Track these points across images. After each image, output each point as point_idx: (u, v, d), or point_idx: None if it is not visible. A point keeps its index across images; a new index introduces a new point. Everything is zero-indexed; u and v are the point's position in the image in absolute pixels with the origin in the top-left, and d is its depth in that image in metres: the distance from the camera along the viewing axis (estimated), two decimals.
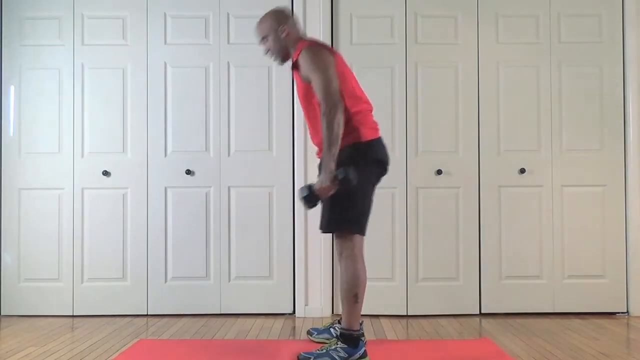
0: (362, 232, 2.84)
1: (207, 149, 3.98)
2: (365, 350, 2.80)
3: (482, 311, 3.93)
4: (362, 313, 3.87)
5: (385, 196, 3.91)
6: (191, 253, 3.95)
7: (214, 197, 3.96)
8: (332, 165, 2.67)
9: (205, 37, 4.00)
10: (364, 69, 3.95)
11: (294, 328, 3.61)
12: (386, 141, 3.90)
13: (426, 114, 3.96)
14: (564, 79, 3.97)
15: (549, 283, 3.94)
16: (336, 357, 2.73)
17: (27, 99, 3.98)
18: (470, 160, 3.96)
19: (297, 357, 2.79)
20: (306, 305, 3.91)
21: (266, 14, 2.97)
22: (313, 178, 3.90)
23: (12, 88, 3.99)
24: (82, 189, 3.97)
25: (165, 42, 3.99)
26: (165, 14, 4.00)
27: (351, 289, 2.77)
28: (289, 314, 3.95)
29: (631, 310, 3.91)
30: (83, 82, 3.98)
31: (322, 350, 2.78)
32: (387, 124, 3.93)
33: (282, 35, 2.91)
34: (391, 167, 3.93)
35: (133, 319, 3.87)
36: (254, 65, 3.96)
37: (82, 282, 3.95)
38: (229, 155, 3.98)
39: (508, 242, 3.94)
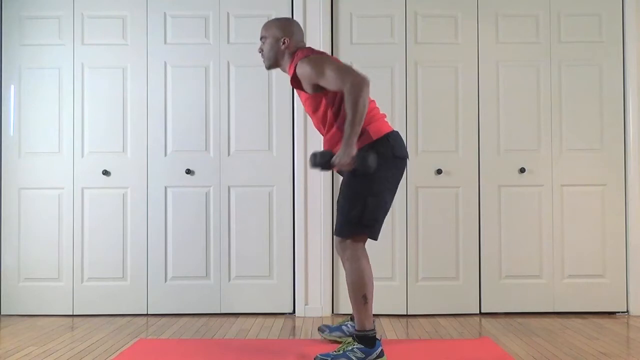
0: (371, 236, 2.81)
1: (207, 148, 3.98)
2: (382, 350, 2.79)
3: (482, 311, 3.93)
4: None
5: None
6: (191, 253, 3.95)
7: (214, 196, 3.96)
8: (354, 142, 2.61)
9: (205, 36, 4.00)
10: (364, 68, 3.93)
11: (294, 327, 3.61)
12: None
13: (426, 114, 3.96)
14: (564, 78, 3.98)
15: (548, 283, 3.94)
16: (353, 358, 2.72)
17: (27, 98, 3.98)
18: (470, 159, 3.96)
19: (314, 359, 2.77)
20: (306, 304, 3.91)
21: (276, 19, 3.01)
22: (313, 178, 3.91)
23: (12, 87, 3.99)
24: (82, 189, 3.97)
25: (165, 42, 3.99)
26: (165, 14, 4.00)
27: (359, 290, 2.76)
28: (289, 313, 3.95)
29: (631, 310, 3.91)
30: (83, 82, 3.98)
31: (338, 351, 2.76)
32: None
33: (280, 45, 2.92)
34: None
35: (133, 318, 3.87)
36: (254, 65, 3.96)
37: (82, 282, 3.95)
38: (229, 155, 3.98)
39: (508, 242, 3.94)
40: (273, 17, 3.05)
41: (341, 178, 3.86)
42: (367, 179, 2.74)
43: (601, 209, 3.95)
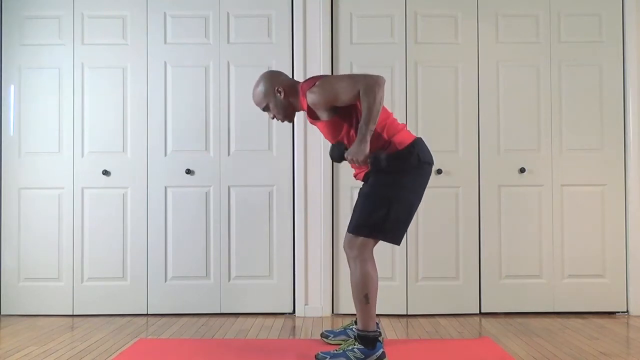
0: (393, 241, 2.83)
1: (207, 148, 3.98)
2: (383, 352, 2.79)
3: (482, 311, 3.93)
4: None
5: None
6: (191, 253, 3.95)
7: (214, 196, 3.96)
8: (368, 140, 2.65)
9: (205, 36, 4.00)
10: (364, 68, 3.94)
11: (293, 327, 3.61)
12: None
13: (426, 114, 3.96)
14: (564, 78, 3.98)
15: (548, 282, 3.94)
16: (352, 358, 2.72)
17: (27, 98, 3.98)
18: (470, 159, 3.96)
19: (315, 356, 2.79)
20: (306, 304, 3.91)
21: (257, 84, 2.91)
22: (313, 178, 3.91)
23: (12, 87, 3.99)
24: (82, 189, 3.97)
25: (165, 42, 3.99)
26: (165, 14, 3.99)
27: (361, 290, 2.77)
28: (289, 313, 3.95)
29: (631, 310, 3.91)
30: (83, 82, 3.98)
31: (338, 350, 2.78)
32: None
33: (280, 97, 2.87)
34: None
35: (133, 318, 3.87)
36: (254, 65, 3.96)
37: (82, 282, 3.95)
38: (229, 154, 3.98)
39: (508, 242, 3.94)
40: (261, 75, 2.95)
41: (342, 180, 3.88)
42: (395, 186, 2.76)
43: (601, 209, 3.95)
